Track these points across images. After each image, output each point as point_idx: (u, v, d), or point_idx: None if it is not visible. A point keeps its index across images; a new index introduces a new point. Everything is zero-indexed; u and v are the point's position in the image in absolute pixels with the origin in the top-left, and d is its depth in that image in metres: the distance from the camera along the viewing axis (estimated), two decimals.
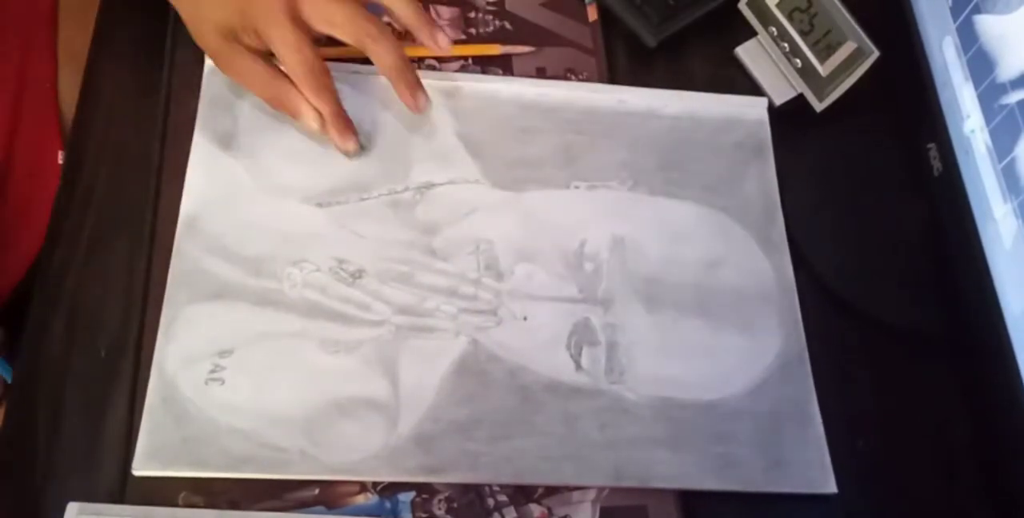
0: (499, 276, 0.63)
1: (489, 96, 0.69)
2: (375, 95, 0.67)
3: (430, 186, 0.65)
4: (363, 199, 0.64)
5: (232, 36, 0.60)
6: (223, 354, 0.57)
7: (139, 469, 0.54)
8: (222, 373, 0.57)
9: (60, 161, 0.75)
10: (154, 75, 0.67)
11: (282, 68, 0.61)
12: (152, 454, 0.54)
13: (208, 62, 0.66)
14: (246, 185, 0.63)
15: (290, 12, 0.59)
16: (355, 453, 0.56)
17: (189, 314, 0.58)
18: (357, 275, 0.61)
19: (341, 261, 0.62)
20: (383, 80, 0.67)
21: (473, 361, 0.60)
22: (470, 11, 0.72)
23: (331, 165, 0.64)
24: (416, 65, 0.70)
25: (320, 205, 0.63)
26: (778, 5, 0.70)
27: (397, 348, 0.59)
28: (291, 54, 0.59)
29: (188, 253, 0.60)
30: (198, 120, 0.64)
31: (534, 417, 0.59)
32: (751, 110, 0.72)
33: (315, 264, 0.61)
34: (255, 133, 0.64)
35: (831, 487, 0.60)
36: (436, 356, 0.60)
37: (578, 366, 0.61)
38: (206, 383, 0.57)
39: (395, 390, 0.58)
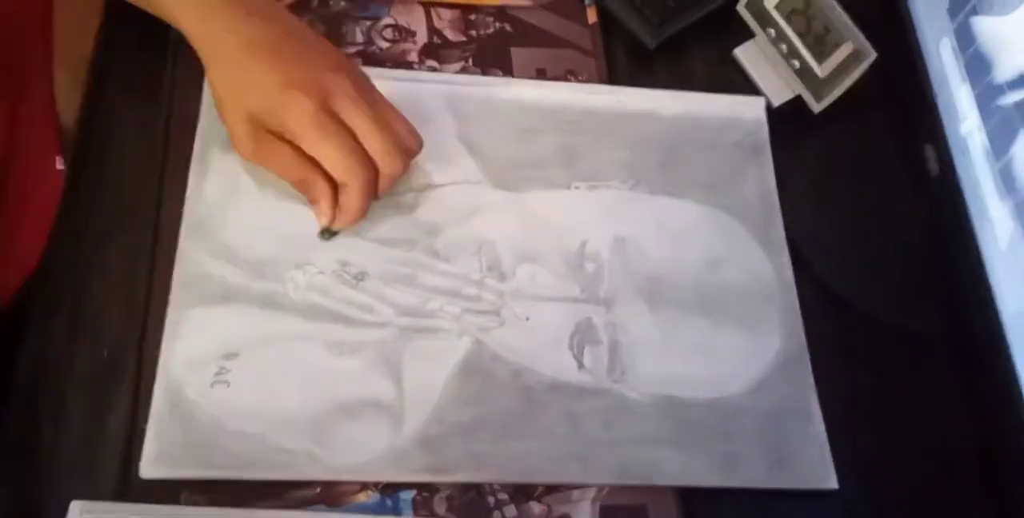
0: (501, 277, 0.63)
1: (489, 98, 0.69)
2: None
3: (432, 187, 0.65)
4: None
5: (259, 123, 0.59)
6: (228, 357, 0.57)
7: (147, 473, 0.54)
8: (227, 376, 0.57)
9: (59, 166, 0.75)
10: (157, 76, 0.66)
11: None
12: (159, 457, 0.54)
13: None
14: (249, 188, 0.63)
15: (325, 114, 0.58)
16: (361, 454, 0.56)
17: (194, 317, 0.58)
18: (360, 277, 0.61)
19: (344, 263, 0.62)
20: (385, 83, 0.67)
21: (477, 362, 0.60)
22: (471, 13, 0.73)
23: None
24: (418, 63, 0.70)
25: None
26: (776, 7, 0.70)
27: (401, 349, 0.60)
28: (337, 161, 0.59)
29: (192, 256, 0.60)
30: (200, 123, 0.64)
31: (538, 417, 0.59)
32: (749, 110, 0.72)
33: (318, 266, 0.61)
34: None
35: (832, 483, 0.60)
36: (440, 357, 0.60)
37: (581, 366, 0.61)
38: (212, 386, 0.56)
39: (400, 391, 0.58)
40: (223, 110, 0.60)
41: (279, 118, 0.58)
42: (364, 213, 0.61)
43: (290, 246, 0.62)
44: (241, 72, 0.59)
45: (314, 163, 0.59)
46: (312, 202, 0.61)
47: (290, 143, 0.59)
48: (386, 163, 0.60)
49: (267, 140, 0.59)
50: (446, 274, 0.63)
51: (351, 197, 0.60)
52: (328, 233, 0.62)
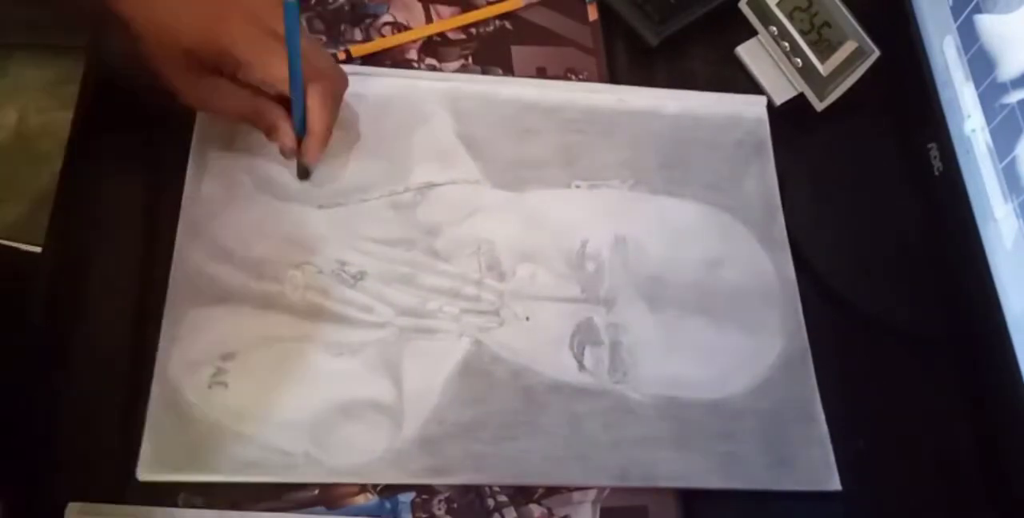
0: (501, 276, 0.63)
1: (489, 96, 0.68)
2: (374, 97, 0.67)
3: (431, 187, 0.65)
4: (364, 200, 0.63)
5: (195, 62, 0.57)
6: (226, 358, 0.57)
7: (145, 475, 0.54)
8: (225, 377, 0.57)
9: None
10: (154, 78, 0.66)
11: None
12: (157, 459, 0.54)
13: None
14: (246, 188, 0.62)
15: (272, 33, 0.56)
16: (360, 456, 0.56)
17: (191, 318, 0.58)
18: (359, 277, 0.61)
19: (343, 263, 0.61)
20: (384, 81, 0.67)
21: (477, 362, 0.60)
22: (470, 11, 0.72)
23: (331, 167, 0.64)
24: (417, 61, 0.69)
25: (321, 207, 0.63)
26: (779, 4, 0.70)
27: (400, 350, 0.59)
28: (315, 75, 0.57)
29: (189, 257, 0.60)
30: (196, 124, 0.63)
31: (539, 418, 0.59)
32: (750, 108, 0.72)
33: (317, 266, 0.61)
34: (254, 135, 0.63)
35: (835, 484, 0.60)
36: (439, 358, 0.60)
37: (581, 366, 0.61)
38: (210, 387, 0.56)
39: (399, 392, 0.58)
40: (157, 61, 0.57)
41: (219, 47, 0.56)
42: (331, 132, 0.60)
43: (288, 246, 0.61)
44: (168, 11, 0.56)
45: (259, 93, 0.59)
46: (271, 131, 0.59)
47: (230, 77, 0.58)
48: (338, 73, 0.60)
49: (207, 78, 0.58)
50: (445, 274, 0.62)
51: (316, 110, 0.58)
52: (305, 171, 0.62)
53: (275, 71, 0.56)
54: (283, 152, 0.60)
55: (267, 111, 0.59)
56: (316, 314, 0.59)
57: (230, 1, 0.57)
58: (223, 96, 0.59)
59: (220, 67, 0.58)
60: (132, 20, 0.56)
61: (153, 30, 0.56)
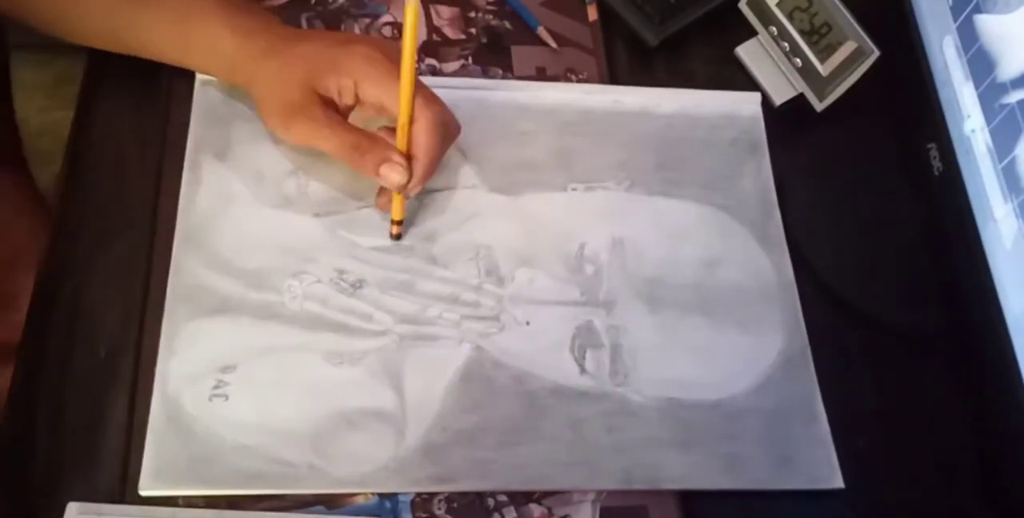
0: (500, 281, 0.63)
1: (483, 100, 0.68)
2: None
3: (427, 192, 0.65)
4: (360, 208, 0.64)
5: (312, 93, 0.58)
6: (226, 370, 0.57)
7: (146, 489, 0.54)
8: (226, 389, 0.57)
9: None
10: (153, 81, 0.66)
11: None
12: (159, 474, 0.54)
13: (199, 75, 0.65)
14: (242, 197, 0.62)
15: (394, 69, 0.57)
16: (364, 465, 0.56)
17: (190, 330, 0.58)
18: (358, 285, 0.61)
19: (341, 271, 0.61)
20: None
21: (478, 368, 0.60)
22: (470, 11, 0.72)
23: (327, 175, 0.64)
24: (418, 62, 0.69)
25: (317, 215, 0.63)
26: (778, 4, 0.69)
27: (401, 358, 0.59)
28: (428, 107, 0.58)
29: (187, 268, 0.60)
30: (191, 133, 0.63)
31: (541, 423, 0.59)
32: (745, 107, 0.72)
33: (315, 275, 0.61)
34: (249, 144, 0.64)
35: (838, 482, 0.60)
36: (441, 364, 0.60)
37: (583, 369, 0.61)
38: (210, 399, 0.56)
39: (401, 400, 0.58)
40: (270, 100, 0.59)
41: (344, 68, 0.57)
42: (437, 164, 0.60)
43: (286, 255, 0.61)
44: (289, 50, 0.59)
45: (354, 128, 0.59)
46: (373, 168, 0.58)
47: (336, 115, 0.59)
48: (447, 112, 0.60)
49: (303, 121, 0.58)
50: (444, 280, 0.62)
51: (423, 136, 0.58)
52: (398, 234, 0.63)
53: (393, 89, 0.57)
54: (393, 186, 0.59)
55: (373, 144, 0.58)
56: (315, 323, 0.60)
57: (350, 41, 0.60)
58: (324, 135, 0.58)
59: (333, 97, 0.59)
60: (249, 63, 0.60)
61: (271, 70, 0.59)
